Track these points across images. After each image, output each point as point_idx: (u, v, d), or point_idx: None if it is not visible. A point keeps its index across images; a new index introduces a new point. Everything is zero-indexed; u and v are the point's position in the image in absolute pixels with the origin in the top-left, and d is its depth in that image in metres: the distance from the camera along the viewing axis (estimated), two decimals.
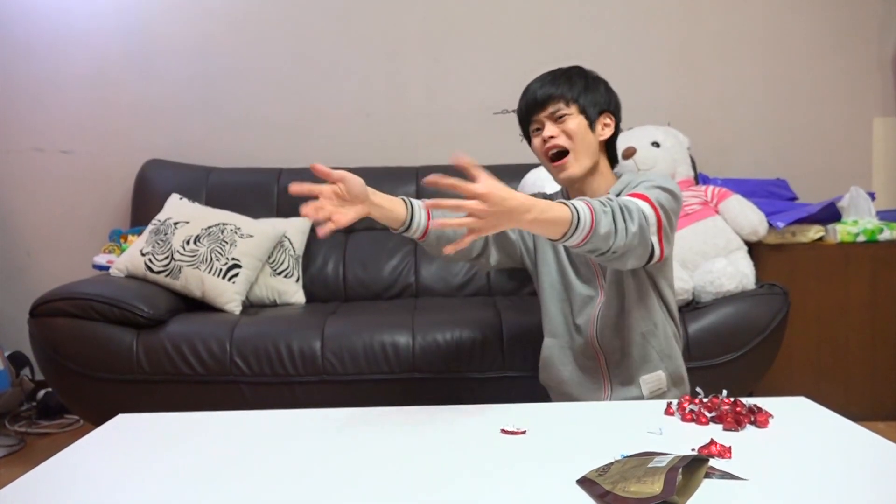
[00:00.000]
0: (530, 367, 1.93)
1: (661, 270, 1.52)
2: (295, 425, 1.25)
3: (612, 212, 1.26)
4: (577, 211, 1.21)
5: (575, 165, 1.49)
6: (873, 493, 0.92)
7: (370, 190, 1.35)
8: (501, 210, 1.12)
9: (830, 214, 2.55)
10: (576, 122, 1.49)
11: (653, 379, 1.53)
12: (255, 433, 1.21)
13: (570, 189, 1.56)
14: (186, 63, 2.94)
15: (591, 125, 1.51)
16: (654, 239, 1.35)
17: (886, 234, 2.49)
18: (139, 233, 2.47)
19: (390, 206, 1.40)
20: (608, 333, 1.54)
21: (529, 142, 1.57)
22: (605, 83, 1.57)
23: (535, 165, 2.42)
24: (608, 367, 1.57)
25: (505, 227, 1.17)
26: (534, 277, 1.66)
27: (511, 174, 2.56)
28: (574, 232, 1.20)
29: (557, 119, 1.50)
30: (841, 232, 2.49)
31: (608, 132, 1.54)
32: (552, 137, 1.49)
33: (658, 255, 1.38)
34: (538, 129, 1.52)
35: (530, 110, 1.53)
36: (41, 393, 2.73)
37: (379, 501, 0.92)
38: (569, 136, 1.49)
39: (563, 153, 1.49)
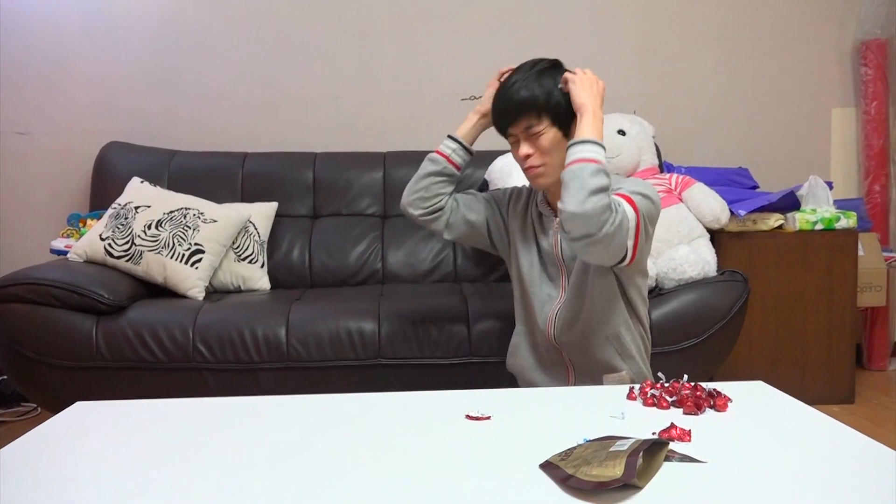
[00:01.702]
0: (496, 353, 1.94)
1: (631, 277, 1.54)
2: (259, 412, 1.24)
3: (611, 196, 1.34)
4: (585, 142, 1.37)
5: (546, 177, 1.51)
6: (828, 474, 0.95)
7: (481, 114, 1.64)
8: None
9: (790, 203, 2.60)
10: (548, 137, 1.48)
11: (615, 378, 1.55)
12: (218, 421, 1.20)
13: (547, 191, 1.58)
14: (148, 42, 2.87)
15: (567, 133, 1.49)
16: (630, 243, 1.39)
17: (843, 223, 2.55)
18: (98, 217, 2.41)
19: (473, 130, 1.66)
20: (566, 333, 1.56)
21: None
22: None
23: (502, 152, 2.42)
24: (571, 362, 1.59)
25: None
26: (509, 266, 1.69)
27: (478, 160, 2.55)
28: (572, 146, 1.38)
29: (531, 135, 1.49)
30: (800, 220, 2.55)
31: None
32: (528, 156, 1.49)
33: (629, 259, 1.42)
34: (515, 141, 1.53)
35: (505, 123, 1.53)
36: None
37: (343, 487, 0.92)
38: (542, 152, 1.48)
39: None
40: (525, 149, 1.49)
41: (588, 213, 1.30)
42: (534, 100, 1.46)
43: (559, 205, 1.36)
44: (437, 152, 1.63)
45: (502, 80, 1.56)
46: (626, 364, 1.56)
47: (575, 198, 1.32)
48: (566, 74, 1.48)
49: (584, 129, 1.40)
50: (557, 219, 1.56)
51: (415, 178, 1.64)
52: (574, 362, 1.59)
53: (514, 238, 1.64)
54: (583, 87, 1.44)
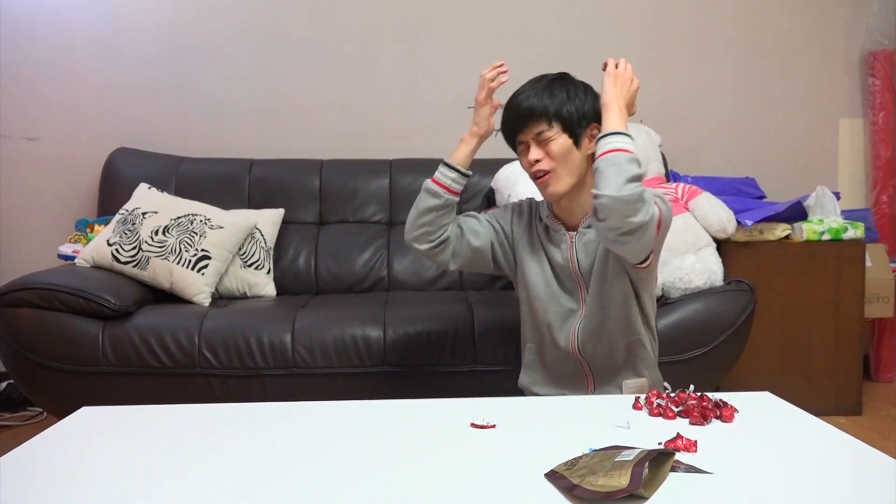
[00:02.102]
0: (501, 361, 1.94)
1: (646, 282, 1.54)
2: (264, 419, 1.24)
3: (643, 188, 1.35)
4: (616, 133, 1.38)
5: (557, 183, 1.50)
6: (834, 486, 0.94)
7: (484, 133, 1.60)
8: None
9: (797, 213, 2.60)
10: (559, 143, 1.48)
11: (635, 385, 1.55)
12: (223, 427, 1.20)
13: (556, 204, 1.57)
14: (157, 49, 2.89)
15: (577, 142, 1.49)
16: (654, 235, 1.39)
17: (850, 233, 2.54)
18: (106, 222, 2.42)
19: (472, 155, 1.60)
20: (590, 345, 1.55)
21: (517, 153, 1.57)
22: (589, 90, 1.53)
23: (508, 160, 2.42)
24: (592, 372, 1.58)
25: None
26: (516, 286, 1.66)
27: (485, 168, 2.56)
28: (603, 138, 1.38)
29: (541, 141, 1.48)
30: (807, 230, 2.54)
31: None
32: (537, 161, 1.49)
33: (650, 260, 1.43)
34: (524, 148, 1.52)
35: (514, 130, 1.52)
36: (3, 384, 2.68)
37: (347, 494, 0.92)
38: (552, 158, 1.48)
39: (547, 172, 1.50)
40: (534, 153, 1.49)
41: (625, 198, 1.30)
42: (545, 107, 1.47)
43: (594, 191, 1.35)
44: (437, 182, 1.55)
45: (488, 75, 1.59)
46: (647, 370, 1.55)
47: (613, 182, 1.31)
48: (607, 60, 1.47)
49: (611, 122, 1.41)
50: (571, 232, 1.55)
51: (416, 213, 1.57)
52: (595, 374, 1.58)
53: (521, 257, 1.61)
54: (614, 84, 1.44)
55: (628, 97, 1.45)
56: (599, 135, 1.41)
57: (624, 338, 1.54)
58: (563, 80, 1.53)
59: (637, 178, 1.33)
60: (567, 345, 1.56)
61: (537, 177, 1.51)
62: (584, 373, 1.58)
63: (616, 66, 1.47)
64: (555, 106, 1.47)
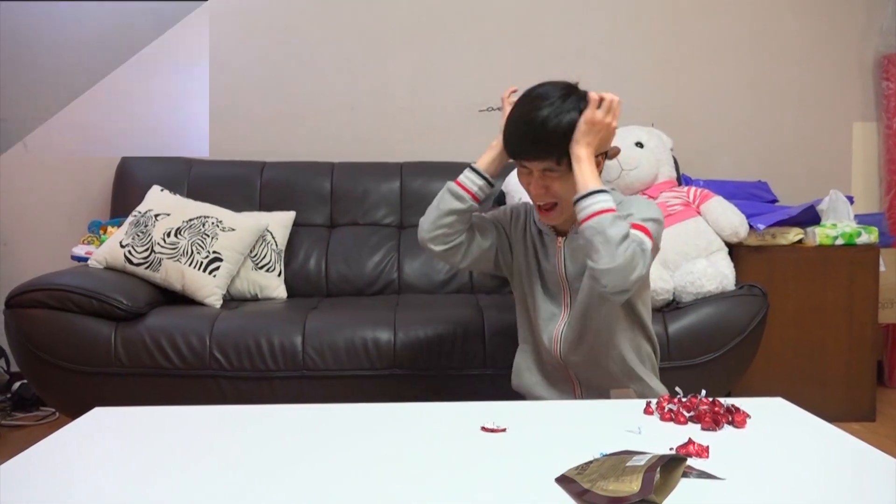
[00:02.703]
0: (511, 365, 1.94)
1: (639, 291, 1.52)
2: (274, 421, 1.24)
3: (633, 241, 1.33)
4: (597, 192, 1.36)
5: (559, 217, 1.50)
6: (848, 492, 0.93)
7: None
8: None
9: (810, 217, 2.58)
10: (564, 181, 1.44)
11: (622, 395, 1.54)
12: (233, 428, 1.20)
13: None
14: (167, 52, 2.90)
15: None
16: (647, 272, 1.39)
17: (864, 238, 2.52)
18: (119, 224, 2.44)
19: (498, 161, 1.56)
20: (572, 351, 1.54)
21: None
22: (578, 107, 1.45)
23: None
24: (577, 379, 1.58)
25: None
26: (513, 287, 1.67)
27: None
28: (581, 201, 1.37)
29: (546, 176, 1.45)
30: (820, 235, 2.52)
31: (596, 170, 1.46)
32: (542, 194, 1.47)
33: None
34: (526, 171, 1.48)
35: (520, 153, 1.47)
36: (16, 385, 2.70)
37: (357, 497, 0.92)
38: (554, 194, 1.45)
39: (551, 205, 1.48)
40: (538, 186, 1.46)
41: (621, 265, 1.31)
42: (556, 146, 1.41)
43: (590, 263, 1.35)
44: (463, 187, 1.51)
45: (508, 98, 1.54)
46: (633, 384, 1.55)
47: (606, 253, 1.31)
48: (590, 97, 1.41)
49: (584, 178, 1.38)
50: (560, 238, 1.55)
51: (436, 214, 1.52)
52: (580, 379, 1.58)
53: (517, 258, 1.62)
54: (587, 132, 1.39)
55: (599, 138, 1.41)
56: (576, 197, 1.38)
57: (609, 352, 1.53)
58: (578, 102, 1.43)
59: (625, 238, 1.32)
60: (550, 348, 1.56)
61: (541, 206, 1.50)
62: (571, 378, 1.59)
63: (600, 104, 1.40)
64: (565, 143, 1.41)
